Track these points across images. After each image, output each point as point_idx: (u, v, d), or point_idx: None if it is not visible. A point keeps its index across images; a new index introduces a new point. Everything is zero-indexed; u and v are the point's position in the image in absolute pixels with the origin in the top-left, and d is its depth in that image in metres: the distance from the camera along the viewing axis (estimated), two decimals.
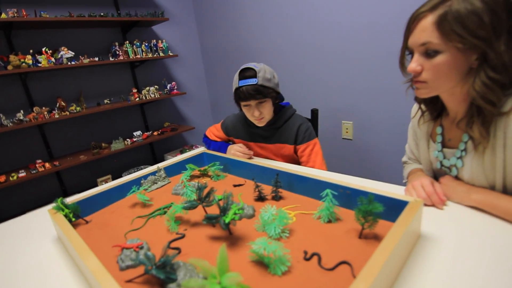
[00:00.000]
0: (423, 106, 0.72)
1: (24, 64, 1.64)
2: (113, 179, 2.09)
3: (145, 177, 0.89)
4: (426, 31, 0.55)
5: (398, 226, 0.47)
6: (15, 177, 1.65)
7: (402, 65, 0.65)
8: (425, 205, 0.65)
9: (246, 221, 0.65)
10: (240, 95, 0.98)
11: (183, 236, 0.61)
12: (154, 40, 2.20)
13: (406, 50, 0.63)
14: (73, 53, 1.82)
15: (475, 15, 0.51)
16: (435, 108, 0.70)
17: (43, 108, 1.76)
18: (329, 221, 0.61)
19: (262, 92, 0.97)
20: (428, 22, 0.55)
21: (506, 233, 0.53)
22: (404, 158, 0.89)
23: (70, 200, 0.75)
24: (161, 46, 2.22)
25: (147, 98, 2.18)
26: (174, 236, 0.61)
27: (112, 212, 0.77)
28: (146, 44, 2.15)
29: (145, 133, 2.24)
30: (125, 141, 2.10)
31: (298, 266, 0.49)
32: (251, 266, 0.50)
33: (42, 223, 0.78)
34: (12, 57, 1.60)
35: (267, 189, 0.76)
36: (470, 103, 0.58)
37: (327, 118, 1.82)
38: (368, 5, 1.50)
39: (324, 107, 1.82)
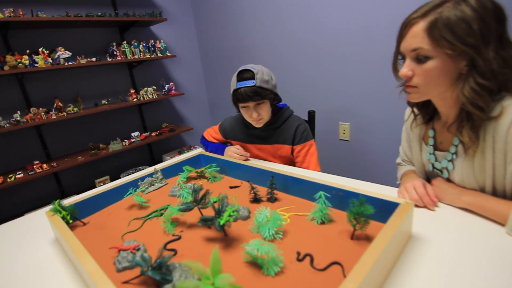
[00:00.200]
0: (415, 110, 0.73)
1: (20, 64, 1.64)
2: (111, 180, 2.10)
3: (142, 179, 0.89)
4: (417, 37, 0.57)
5: (388, 227, 0.48)
6: (12, 178, 1.65)
7: (395, 69, 0.66)
8: (417, 206, 0.66)
9: (242, 222, 0.66)
10: (238, 97, 0.99)
11: (179, 238, 0.62)
12: (152, 40, 2.21)
13: (399, 55, 0.64)
14: (70, 53, 1.82)
15: (464, 22, 0.52)
16: (427, 111, 0.72)
17: (40, 108, 1.76)
18: (323, 223, 0.62)
19: (260, 94, 0.98)
20: (419, 28, 0.56)
21: (495, 233, 0.55)
22: (398, 160, 0.91)
23: (67, 202, 0.76)
24: (159, 46, 2.22)
25: (145, 98, 2.19)
26: (170, 238, 0.62)
27: (109, 214, 0.78)
28: (144, 44, 2.16)
29: (143, 134, 2.24)
30: (123, 142, 2.10)
31: (291, 266, 0.50)
32: (245, 266, 0.51)
33: (40, 225, 0.79)
34: (8, 57, 1.60)
35: (262, 191, 0.77)
36: (460, 108, 0.60)
37: (325, 119, 1.84)
38: (365, 8, 1.52)
39: (322, 109, 1.83)
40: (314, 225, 0.62)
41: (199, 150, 1.12)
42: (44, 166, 1.77)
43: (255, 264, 0.51)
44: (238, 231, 0.62)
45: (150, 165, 2.32)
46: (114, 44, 2.07)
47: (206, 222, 0.59)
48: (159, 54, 2.22)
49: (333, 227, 0.60)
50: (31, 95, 1.86)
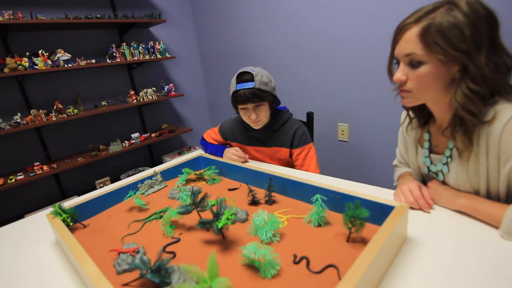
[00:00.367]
0: (411, 113, 0.74)
1: (20, 66, 1.65)
2: (112, 181, 2.11)
3: (141, 181, 0.90)
4: (410, 42, 0.57)
5: (383, 230, 0.49)
6: (13, 180, 1.66)
7: (390, 73, 0.67)
8: (412, 208, 0.67)
9: (240, 225, 0.67)
10: (238, 98, 1.00)
11: (178, 240, 0.63)
12: (152, 42, 2.21)
13: (393, 59, 0.65)
14: (70, 55, 1.82)
15: (456, 28, 0.53)
16: (422, 115, 0.73)
17: (40, 110, 1.77)
18: (319, 225, 0.63)
19: (259, 96, 0.99)
20: (412, 33, 0.57)
21: (489, 236, 0.56)
22: (395, 162, 0.92)
23: (68, 204, 0.77)
24: (159, 47, 2.23)
25: (145, 100, 2.20)
26: (169, 240, 0.63)
27: (109, 216, 0.79)
28: (144, 46, 2.16)
29: (143, 135, 2.25)
30: (123, 143, 2.11)
31: (287, 269, 0.51)
32: (242, 269, 0.52)
33: (40, 228, 0.80)
34: (8, 60, 1.61)
35: (260, 193, 0.78)
36: (454, 113, 0.61)
37: (324, 121, 1.85)
38: (363, 11, 1.52)
39: (321, 110, 1.84)
40: (310, 227, 0.63)
41: (198, 151, 1.13)
42: (45, 167, 1.78)
43: (253, 266, 0.52)
44: (236, 234, 0.63)
45: (150, 166, 2.34)
46: (114, 45, 2.07)
47: (204, 225, 0.60)
48: (159, 56, 2.23)
49: (329, 230, 0.61)
50: (31, 97, 1.87)
